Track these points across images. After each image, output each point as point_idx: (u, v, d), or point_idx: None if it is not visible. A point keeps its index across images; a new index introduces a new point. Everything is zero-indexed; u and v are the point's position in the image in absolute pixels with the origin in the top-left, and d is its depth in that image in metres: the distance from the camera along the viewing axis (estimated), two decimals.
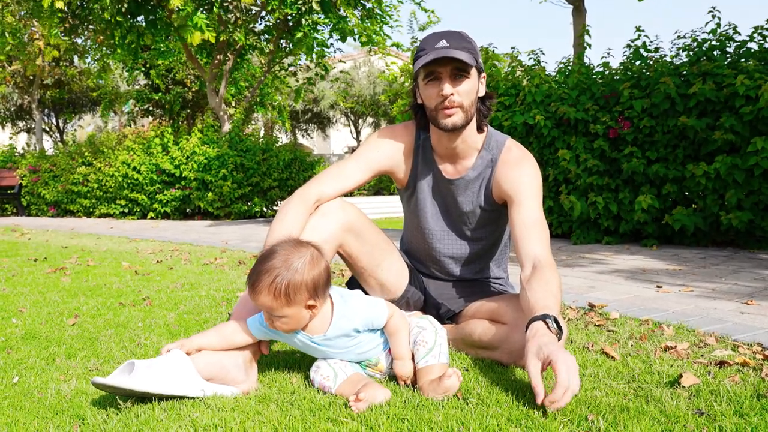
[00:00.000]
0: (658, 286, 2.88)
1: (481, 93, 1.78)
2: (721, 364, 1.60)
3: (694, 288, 2.82)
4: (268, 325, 1.44)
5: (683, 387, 1.42)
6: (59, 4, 7.89)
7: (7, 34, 11.42)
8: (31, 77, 15.45)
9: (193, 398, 1.37)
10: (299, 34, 8.87)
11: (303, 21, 8.82)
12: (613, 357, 1.68)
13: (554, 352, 1.30)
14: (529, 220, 1.69)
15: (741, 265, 3.55)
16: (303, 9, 8.59)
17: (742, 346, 1.79)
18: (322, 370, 1.47)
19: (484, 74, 1.79)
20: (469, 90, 1.70)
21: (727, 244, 4.57)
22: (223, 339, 1.49)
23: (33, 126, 18.97)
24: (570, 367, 1.27)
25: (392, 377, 1.53)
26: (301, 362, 1.67)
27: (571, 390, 1.25)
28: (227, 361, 1.46)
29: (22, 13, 11.75)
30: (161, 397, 1.35)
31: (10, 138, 13.70)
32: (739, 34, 4.59)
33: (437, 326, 1.52)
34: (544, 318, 1.42)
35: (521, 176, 1.77)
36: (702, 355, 1.70)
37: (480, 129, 1.82)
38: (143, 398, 1.36)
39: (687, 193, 4.55)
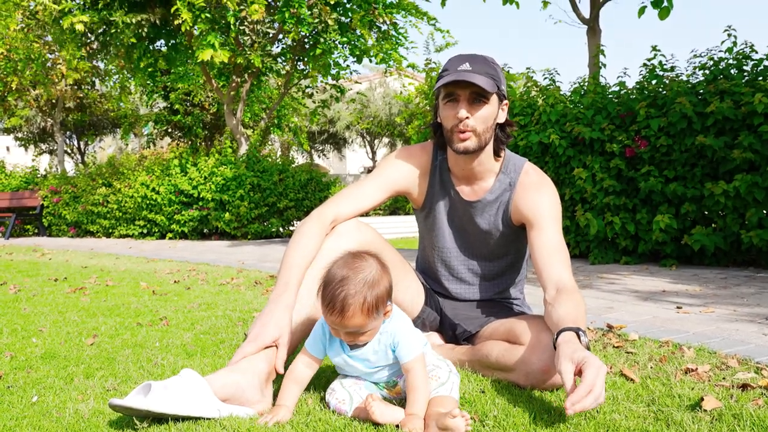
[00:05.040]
0: (678, 307, 2.84)
1: (501, 119, 1.78)
2: (744, 387, 1.57)
3: (715, 309, 2.78)
4: (346, 343, 1.44)
5: (705, 411, 1.39)
6: (79, 27, 8.09)
7: (32, 57, 11.72)
8: (54, 101, 15.80)
9: (209, 419, 1.38)
10: (318, 51, 8.98)
11: (321, 39, 8.95)
12: (632, 379, 1.65)
13: (588, 357, 1.31)
14: (550, 245, 1.69)
15: (763, 286, 3.48)
16: (319, 28, 8.72)
17: (765, 368, 1.75)
18: (337, 393, 1.46)
19: (506, 101, 1.79)
20: (486, 116, 1.71)
21: (748, 264, 4.50)
22: (302, 384, 1.48)
23: (55, 148, 19.35)
24: (601, 374, 1.27)
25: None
26: (316, 383, 1.67)
27: (595, 395, 1.24)
28: (243, 382, 1.46)
29: (48, 38, 12.06)
30: (177, 418, 1.35)
31: (33, 160, 13.95)
32: (756, 53, 4.56)
33: (452, 368, 1.51)
34: (576, 330, 1.43)
35: (541, 200, 1.77)
36: (724, 378, 1.67)
37: (497, 154, 1.82)
38: (159, 419, 1.36)
39: (706, 213, 4.50)
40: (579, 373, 1.31)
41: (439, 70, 1.76)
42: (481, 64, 1.69)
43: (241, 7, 8.10)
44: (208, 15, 7.89)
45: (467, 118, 1.68)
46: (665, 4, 5.84)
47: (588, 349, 1.42)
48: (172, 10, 7.86)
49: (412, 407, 1.35)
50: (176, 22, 7.90)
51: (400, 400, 1.52)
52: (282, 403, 1.43)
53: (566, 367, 1.32)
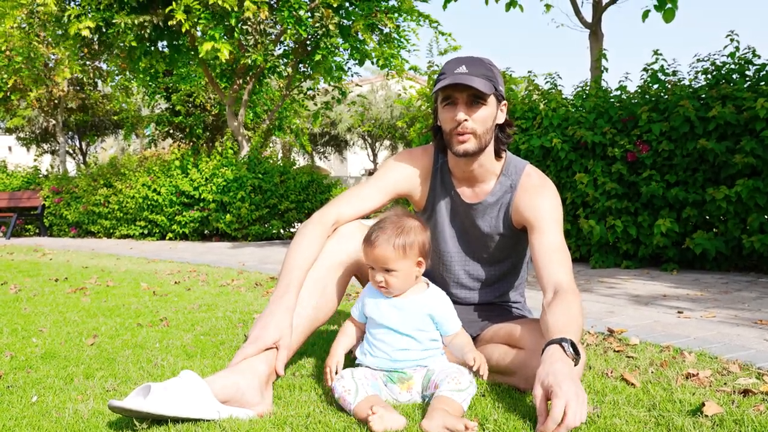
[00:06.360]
0: (679, 312, 2.83)
1: (500, 120, 1.78)
2: (745, 392, 1.56)
3: (716, 314, 2.77)
4: (377, 286, 1.57)
5: (706, 416, 1.38)
6: (85, 33, 8.08)
7: (32, 57, 11.71)
8: (56, 101, 15.82)
9: (208, 421, 1.37)
10: (318, 57, 8.99)
11: (321, 44, 8.96)
12: (633, 384, 1.65)
13: (557, 383, 1.28)
14: (550, 247, 1.69)
15: (764, 291, 3.48)
16: (320, 32, 8.72)
17: (766, 374, 1.75)
18: (344, 381, 1.47)
19: (504, 102, 1.79)
20: (484, 117, 1.71)
21: (749, 269, 4.49)
22: (351, 336, 1.68)
23: (57, 148, 19.37)
24: (571, 400, 1.24)
25: (418, 404, 1.52)
26: (316, 386, 1.67)
27: (567, 425, 1.23)
28: (243, 384, 1.46)
29: (50, 41, 12.06)
30: (177, 420, 1.35)
31: (35, 160, 13.95)
32: (759, 58, 4.56)
33: (473, 380, 1.51)
34: (560, 341, 1.40)
35: (542, 203, 1.76)
36: (725, 383, 1.67)
37: (498, 155, 1.82)
38: (159, 420, 1.36)
39: (708, 217, 4.50)
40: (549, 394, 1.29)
41: (437, 74, 1.77)
42: (477, 66, 1.69)
43: (242, 9, 8.09)
44: (207, 15, 7.88)
45: (466, 120, 1.69)
46: (669, 5, 5.84)
47: (578, 356, 1.39)
48: (167, 10, 7.85)
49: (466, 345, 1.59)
50: (170, 23, 7.89)
51: (409, 398, 1.52)
52: (333, 353, 1.63)
53: (537, 392, 1.31)
